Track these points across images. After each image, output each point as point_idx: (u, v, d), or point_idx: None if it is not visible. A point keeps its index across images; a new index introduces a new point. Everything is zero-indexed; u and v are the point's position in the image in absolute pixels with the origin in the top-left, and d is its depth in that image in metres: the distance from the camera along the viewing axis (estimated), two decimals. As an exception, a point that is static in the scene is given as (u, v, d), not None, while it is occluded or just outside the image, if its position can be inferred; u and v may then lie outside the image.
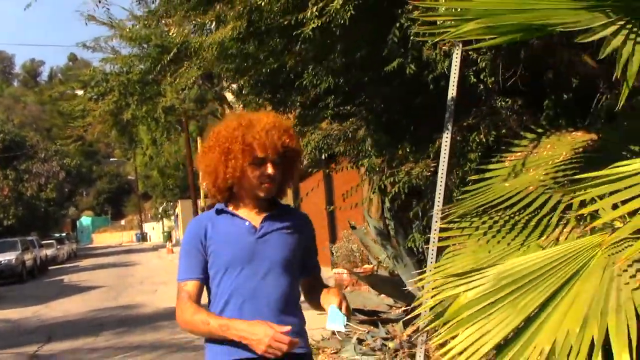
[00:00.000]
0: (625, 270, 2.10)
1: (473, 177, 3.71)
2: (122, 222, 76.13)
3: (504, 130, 4.08)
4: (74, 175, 47.73)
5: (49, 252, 31.14)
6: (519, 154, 3.51)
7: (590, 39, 2.17)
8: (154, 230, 62.57)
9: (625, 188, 2.04)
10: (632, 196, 1.99)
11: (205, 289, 2.24)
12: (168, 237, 46.65)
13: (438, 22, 2.61)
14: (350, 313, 2.24)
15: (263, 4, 4.31)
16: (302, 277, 2.33)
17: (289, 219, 2.29)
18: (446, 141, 4.09)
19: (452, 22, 2.41)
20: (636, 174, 2.09)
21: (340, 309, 2.14)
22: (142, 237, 62.12)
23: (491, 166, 3.59)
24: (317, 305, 2.27)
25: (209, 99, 23.27)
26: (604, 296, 2.02)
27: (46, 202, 39.78)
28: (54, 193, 39.92)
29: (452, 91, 3.98)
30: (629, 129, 3.06)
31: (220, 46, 5.16)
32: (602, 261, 2.18)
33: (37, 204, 38.32)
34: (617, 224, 2.30)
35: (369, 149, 5.26)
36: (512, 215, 2.88)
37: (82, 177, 56.48)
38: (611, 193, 2.10)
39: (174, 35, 7.11)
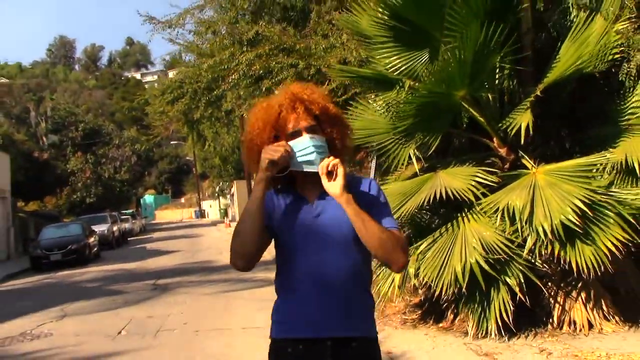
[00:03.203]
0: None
1: (379, 183, 8.17)
2: (182, 200, 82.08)
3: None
4: (143, 158, 53.52)
5: (127, 225, 36.53)
6: (398, 173, 7.92)
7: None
8: (212, 208, 67.88)
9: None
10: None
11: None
12: (225, 213, 51.74)
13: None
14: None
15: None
16: None
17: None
18: (373, 165, 8.60)
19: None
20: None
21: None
22: (201, 214, 67.18)
23: (389, 177, 8.02)
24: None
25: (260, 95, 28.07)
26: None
27: (120, 183, 45.51)
28: (127, 175, 45.67)
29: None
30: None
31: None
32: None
33: (113, 185, 44.11)
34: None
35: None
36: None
37: (149, 160, 62.25)
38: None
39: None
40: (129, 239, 34.54)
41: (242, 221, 2.11)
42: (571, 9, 6.57)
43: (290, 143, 2.10)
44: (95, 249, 22.39)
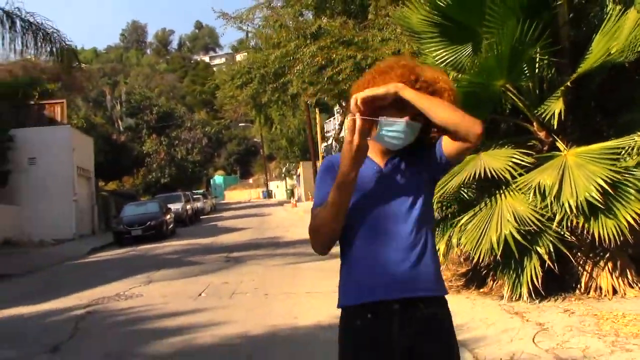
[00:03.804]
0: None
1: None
2: (250, 180, 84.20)
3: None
4: (213, 140, 55.51)
5: (199, 204, 38.32)
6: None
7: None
8: (278, 188, 69.53)
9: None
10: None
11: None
12: (291, 193, 53.16)
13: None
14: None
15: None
16: (444, 149, 2.12)
17: (414, 155, 2.19)
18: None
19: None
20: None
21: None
22: (268, 194, 68.72)
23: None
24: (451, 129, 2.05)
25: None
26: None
27: (192, 164, 47.50)
28: (198, 156, 47.64)
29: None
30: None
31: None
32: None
33: (185, 165, 46.12)
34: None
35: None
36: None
37: (218, 142, 64.34)
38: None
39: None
40: (200, 217, 36.28)
41: (334, 212, 2.09)
42: (607, 1, 7.12)
43: (386, 118, 2.07)
44: (172, 225, 24.01)
